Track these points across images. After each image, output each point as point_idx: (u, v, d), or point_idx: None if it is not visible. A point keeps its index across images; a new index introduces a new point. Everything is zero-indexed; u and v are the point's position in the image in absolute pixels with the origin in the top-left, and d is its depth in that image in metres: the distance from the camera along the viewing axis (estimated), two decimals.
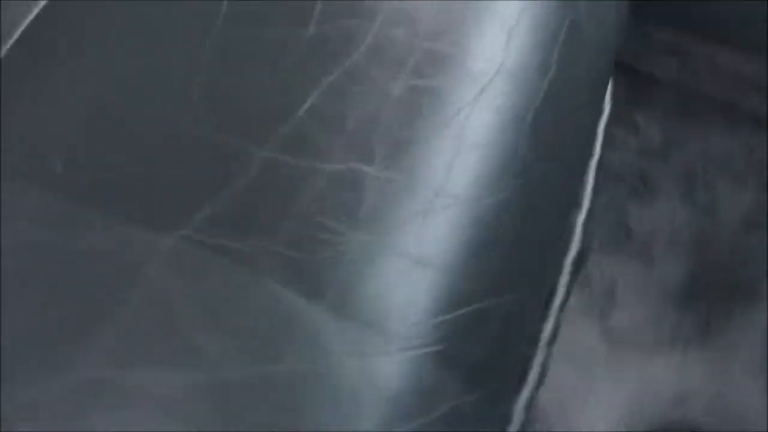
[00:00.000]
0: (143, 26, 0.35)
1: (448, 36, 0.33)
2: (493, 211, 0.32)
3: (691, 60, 0.68)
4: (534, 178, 0.34)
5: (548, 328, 0.39)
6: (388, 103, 0.31)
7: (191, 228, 0.30)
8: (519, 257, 0.34)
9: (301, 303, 0.29)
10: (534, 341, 0.38)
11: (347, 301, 0.29)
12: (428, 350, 0.30)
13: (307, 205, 0.30)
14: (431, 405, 0.29)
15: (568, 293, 0.40)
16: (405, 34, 0.32)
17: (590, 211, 0.41)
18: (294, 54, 0.32)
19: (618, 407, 0.64)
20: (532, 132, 0.34)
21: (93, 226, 0.31)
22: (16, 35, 0.35)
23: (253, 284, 0.29)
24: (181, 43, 0.33)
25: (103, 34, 0.35)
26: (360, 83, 0.32)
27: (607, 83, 0.40)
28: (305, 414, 0.27)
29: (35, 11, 0.35)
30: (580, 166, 0.39)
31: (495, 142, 0.33)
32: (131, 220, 0.31)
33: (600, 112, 0.40)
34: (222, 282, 0.29)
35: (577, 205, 0.40)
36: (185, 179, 0.31)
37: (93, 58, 0.34)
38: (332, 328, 0.29)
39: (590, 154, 0.40)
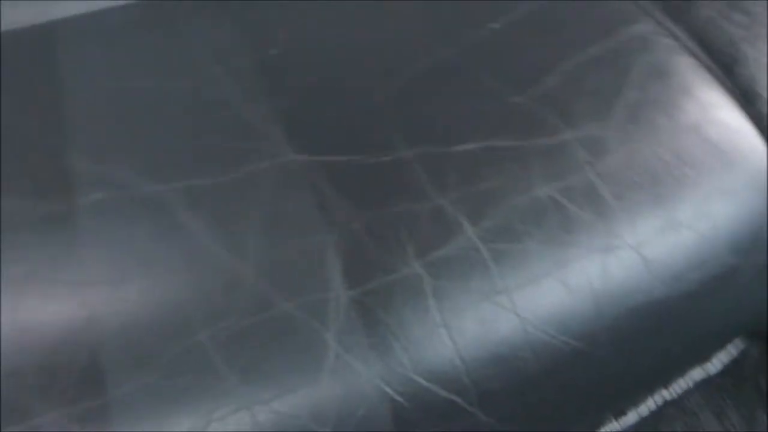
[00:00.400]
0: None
1: (617, 187, 0.34)
2: (536, 355, 0.33)
3: None
4: (592, 360, 0.34)
5: None
6: (526, 196, 0.33)
7: (309, 168, 0.34)
8: (527, 411, 0.34)
9: (337, 272, 0.31)
10: None
11: (372, 305, 0.31)
12: (394, 395, 0.31)
13: (403, 212, 0.32)
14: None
15: None
16: (585, 158, 0.34)
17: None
18: (502, 111, 0.35)
19: None
20: (626, 317, 0.34)
21: (243, 104, 0.36)
22: None
23: (318, 229, 0.32)
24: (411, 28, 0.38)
25: None
26: (521, 166, 0.34)
27: (725, 344, 0.39)
28: (270, 350, 0.30)
29: None
30: (648, 384, 0.38)
31: (585, 301, 0.33)
32: (274, 123, 0.35)
33: (699, 361, 0.38)
34: (295, 207, 0.32)
35: (621, 413, 0.39)
36: (349, 129, 0.35)
37: None
38: (343, 311, 0.31)
39: (663, 384, 0.39)
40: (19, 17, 0.42)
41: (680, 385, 0.40)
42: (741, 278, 0.36)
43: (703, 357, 0.40)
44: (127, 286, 0.31)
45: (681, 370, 0.38)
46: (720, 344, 0.40)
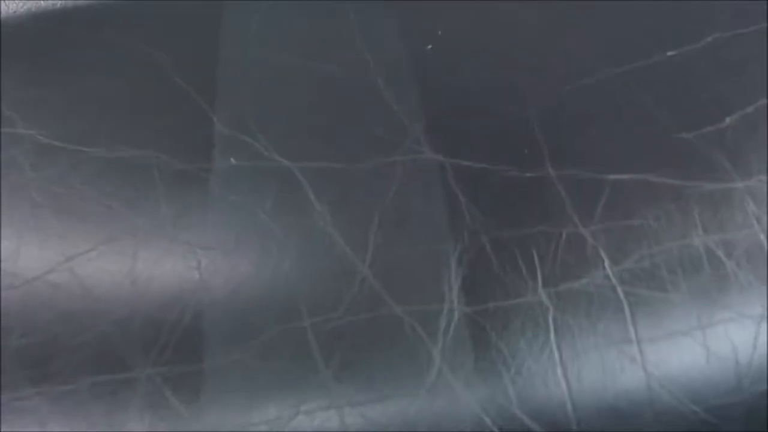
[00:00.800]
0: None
1: None
2: (656, 417, 0.29)
3: None
4: None
5: None
6: (679, 242, 0.30)
7: (444, 169, 0.32)
8: None
9: (456, 284, 0.29)
10: None
11: (487, 326, 0.29)
12: (492, 426, 0.29)
13: (537, 234, 0.30)
14: None
15: None
16: (754, 212, 0.30)
17: None
18: (667, 145, 0.32)
19: None
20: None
21: (389, 94, 0.35)
22: None
23: (444, 234, 0.30)
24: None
25: None
26: (679, 207, 0.30)
27: None
28: (372, 352, 0.28)
29: None
30: None
31: (726, 371, 0.30)
32: (416, 118, 0.34)
33: None
34: (423, 207, 0.31)
35: None
36: (493, 137, 0.33)
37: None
38: (455, 326, 0.29)
39: None
40: None
41: None
42: None
43: None
44: (241, 256, 0.31)
45: None
46: None
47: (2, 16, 0.46)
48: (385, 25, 0.39)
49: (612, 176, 0.31)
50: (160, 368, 0.28)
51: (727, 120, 0.32)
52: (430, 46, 0.37)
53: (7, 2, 0.45)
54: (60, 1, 0.45)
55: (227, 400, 0.28)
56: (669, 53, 0.35)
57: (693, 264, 0.29)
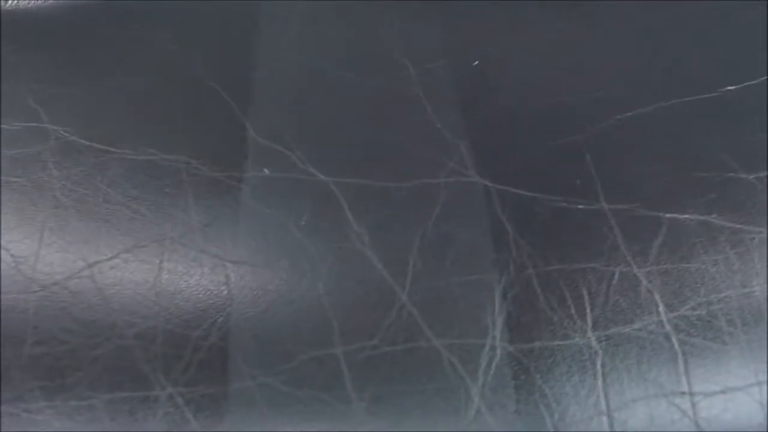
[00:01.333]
0: None
1: None
2: None
3: None
4: None
5: None
6: (739, 290, 0.28)
7: (490, 195, 0.31)
8: None
9: (500, 320, 0.28)
10: None
11: (531, 367, 0.27)
12: None
13: (588, 271, 0.28)
14: None
15: None
16: None
17: None
18: (727, 185, 0.30)
19: None
20: None
21: (432, 111, 0.33)
22: None
23: (488, 265, 0.28)
24: None
25: None
26: (740, 254, 0.29)
27: None
28: (407, 387, 0.27)
29: None
30: None
31: None
32: (460, 137, 0.32)
33: None
34: (467, 234, 0.29)
35: None
36: (543, 164, 0.32)
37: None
38: (497, 364, 0.27)
39: None
40: None
41: None
42: None
43: None
44: (272, 273, 0.29)
45: None
46: None
47: (33, 6, 0.45)
48: (429, 36, 0.38)
49: (669, 215, 0.29)
50: (182, 388, 0.27)
51: None
52: (476, 62, 0.36)
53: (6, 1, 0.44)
54: None
55: (252, 426, 0.26)
56: (729, 88, 0.34)
57: (753, 315, 0.28)
